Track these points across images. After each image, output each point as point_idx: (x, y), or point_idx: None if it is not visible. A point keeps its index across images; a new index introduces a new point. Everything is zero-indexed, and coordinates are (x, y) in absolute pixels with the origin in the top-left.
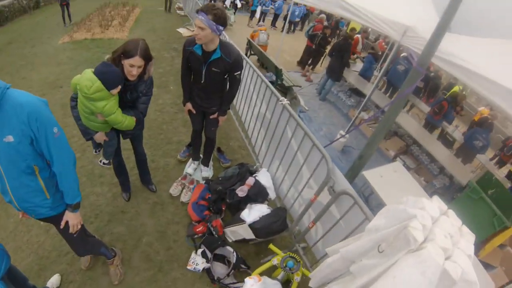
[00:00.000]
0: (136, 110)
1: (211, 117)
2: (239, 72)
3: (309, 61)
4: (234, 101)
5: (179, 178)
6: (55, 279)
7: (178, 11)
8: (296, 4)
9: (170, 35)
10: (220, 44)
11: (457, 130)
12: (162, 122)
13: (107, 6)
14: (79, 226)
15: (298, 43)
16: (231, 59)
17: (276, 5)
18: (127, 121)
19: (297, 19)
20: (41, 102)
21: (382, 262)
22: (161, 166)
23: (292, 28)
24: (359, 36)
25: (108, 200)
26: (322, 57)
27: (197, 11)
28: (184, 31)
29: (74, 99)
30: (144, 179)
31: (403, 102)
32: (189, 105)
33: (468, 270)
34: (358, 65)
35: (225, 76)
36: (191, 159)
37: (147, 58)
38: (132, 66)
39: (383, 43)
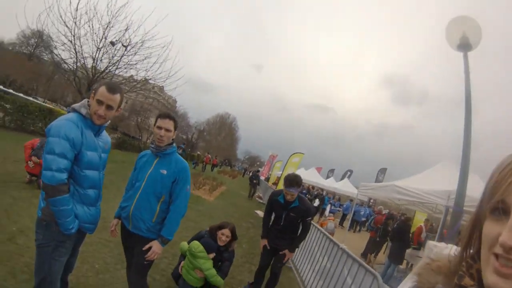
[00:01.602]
0: (220, 272)
1: (280, 252)
2: (310, 218)
3: (372, 251)
4: (298, 264)
5: None
6: None
7: (257, 199)
8: (361, 204)
9: (248, 212)
10: (298, 197)
11: None
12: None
13: (200, 175)
14: (156, 257)
15: (363, 241)
16: (305, 207)
17: (345, 205)
18: (219, 278)
19: (363, 219)
20: (189, 168)
21: None
22: None
23: (358, 228)
24: (422, 225)
25: None
26: (385, 245)
27: (286, 186)
28: (260, 213)
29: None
30: None
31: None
32: (265, 241)
33: None
34: (423, 252)
35: (299, 221)
36: None
37: (234, 233)
38: (223, 234)
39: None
